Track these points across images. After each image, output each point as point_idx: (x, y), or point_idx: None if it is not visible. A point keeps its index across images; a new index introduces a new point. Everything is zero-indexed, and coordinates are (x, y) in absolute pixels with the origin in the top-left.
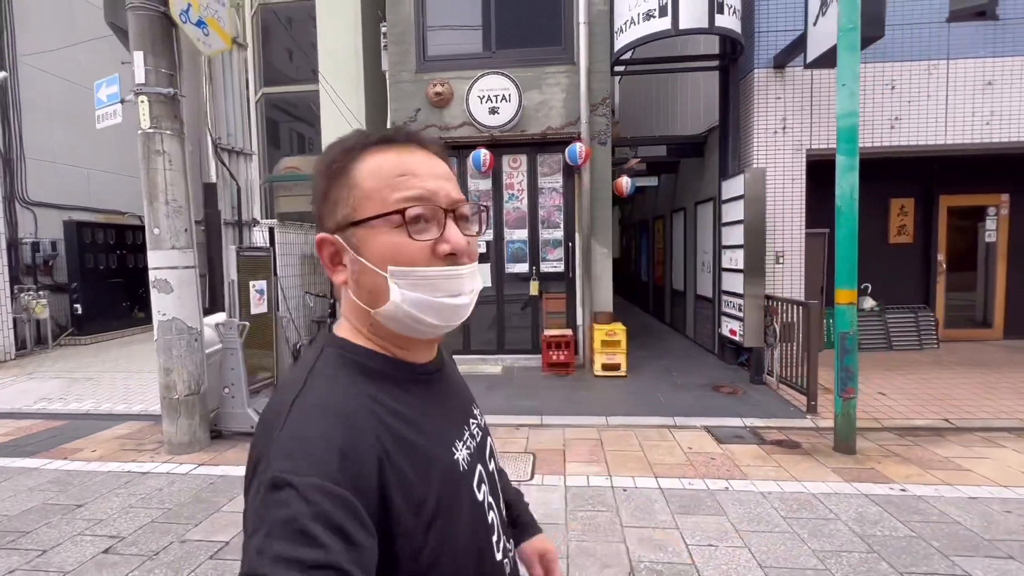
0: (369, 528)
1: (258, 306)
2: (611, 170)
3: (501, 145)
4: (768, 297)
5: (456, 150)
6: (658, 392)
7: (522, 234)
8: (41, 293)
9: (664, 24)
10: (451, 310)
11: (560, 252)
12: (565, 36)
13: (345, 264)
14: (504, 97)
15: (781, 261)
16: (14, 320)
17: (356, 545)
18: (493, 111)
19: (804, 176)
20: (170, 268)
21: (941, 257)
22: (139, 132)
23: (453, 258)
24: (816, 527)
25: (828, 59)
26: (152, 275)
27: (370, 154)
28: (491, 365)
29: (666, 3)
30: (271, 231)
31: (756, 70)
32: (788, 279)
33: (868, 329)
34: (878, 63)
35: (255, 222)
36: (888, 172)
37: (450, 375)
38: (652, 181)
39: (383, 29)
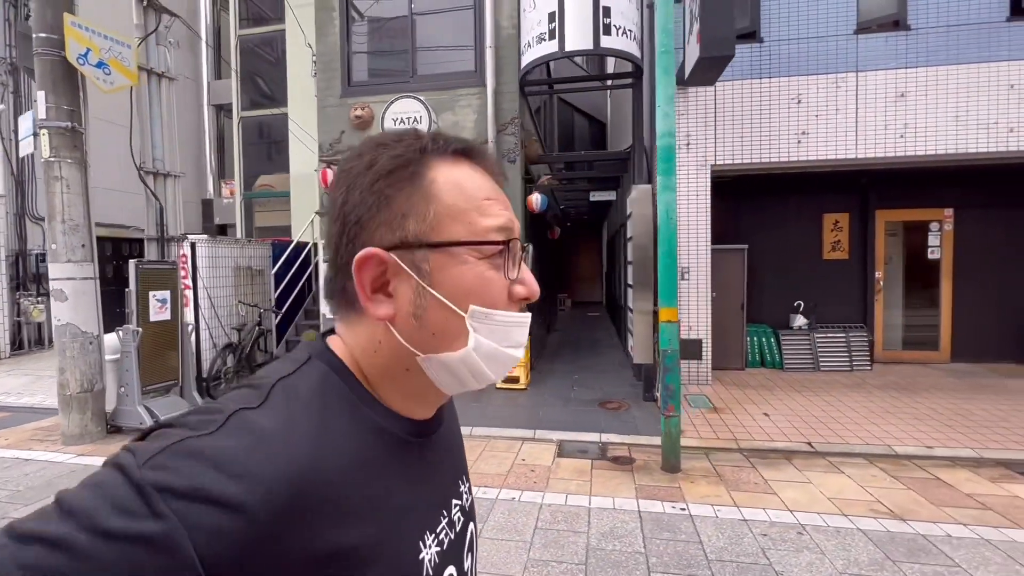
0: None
1: (159, 314)
2: (523, 187)
3: None
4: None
5: None
6: (544, 405)
7: None
8: (40, 299)
9: (552, 47)
10: (510, 362)
11: None
12: (477, 60)
13: (391, 293)
14: (416, 119)
15: (686, 277)
16: (14, 323)
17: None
18: None
19: (709, 192)
20: (66, 279)
21: (879, 274)
22: (42, 160)
23: (523, 302)
24: (557, 539)
25: (698, 76)
26: (50, 285)
27: (447, 163)
28: None
29: (554, 27)
30: (192, 246)
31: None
32: (694, 295)
33: (796, 349)
34: (783, 77)
35: (183, 236)
36: (821, 186)
37: (446, 434)
38: (610, 196)
39: (312, 57)
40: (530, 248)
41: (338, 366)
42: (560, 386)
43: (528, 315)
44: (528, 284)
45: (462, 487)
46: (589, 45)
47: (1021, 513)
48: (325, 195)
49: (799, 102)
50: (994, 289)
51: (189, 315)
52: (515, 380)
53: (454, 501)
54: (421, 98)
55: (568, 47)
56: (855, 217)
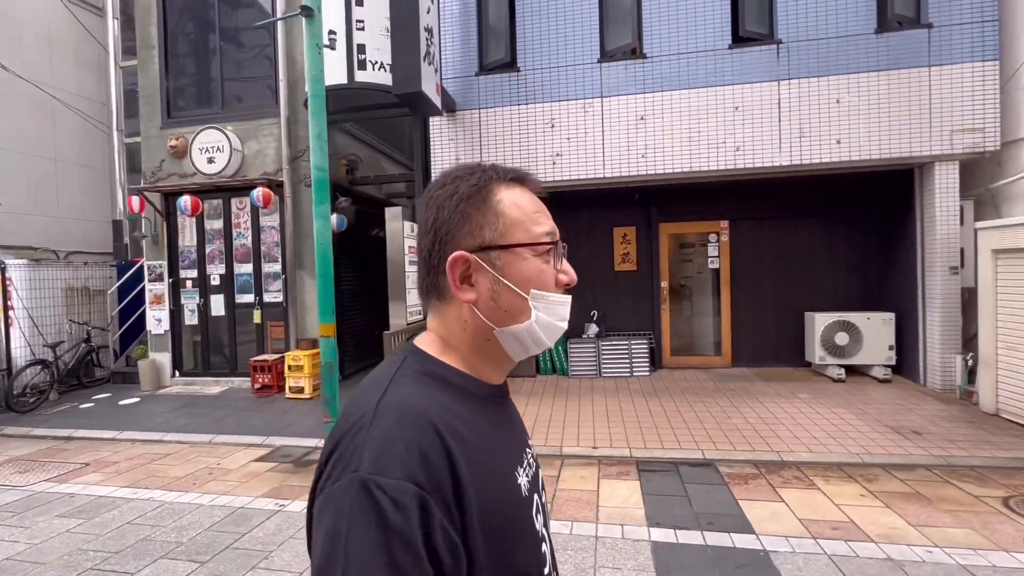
0: (449, 536)
1: None
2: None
3: (226, 189)
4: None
5: (197, 195)
6: (306, 415)
7: (248, 268)
8: None
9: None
10: (559, 331)
11: (279, 284)
12: (274, 92)
13: (474, 284)
14: (219, 148)
15: None
16: None
17: (439, 562)
18: (211, 160)
19: None
20: None
21: (664, 284)
22: None
23: (567, 287)
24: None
25: (427, 107)
26: None
27: (506, 187)
28: (214, 386)
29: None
30: (2, 270)
31: (431, 115)
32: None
33: (583, 356)
34: (539, 104)
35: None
36: (611, 201)
37: (510, 402)
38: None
39: (138, 91)
40: (566, 247)
41: (425, 356)
42: (344, 397)
43: (569, 297)
44: (568, 273)
45: (529, 440)
46: (344, 80)
47: (576, 506)
48: (142, 219)
49: (553, 126)
50: (768, 296)
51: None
52: (300, 390)
53: (527, 448)
54: (223, 128)
55: (328, 83)
56: (641, 230)
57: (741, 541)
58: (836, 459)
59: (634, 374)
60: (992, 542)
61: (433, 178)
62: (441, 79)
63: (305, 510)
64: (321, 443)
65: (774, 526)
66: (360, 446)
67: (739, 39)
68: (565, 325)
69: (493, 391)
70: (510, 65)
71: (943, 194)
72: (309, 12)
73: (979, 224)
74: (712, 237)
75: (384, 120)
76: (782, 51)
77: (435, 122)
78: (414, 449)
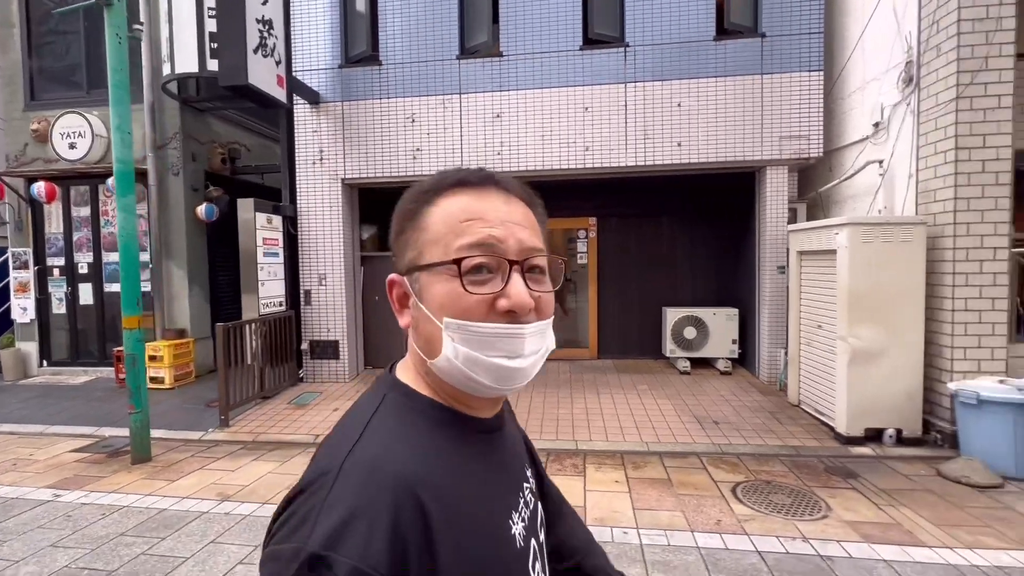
0: None
1: None
2: (188, 197)
3: (93, 176)
4: (259, 319)
5: (62, 181)
6: (160, 405)
7: (117, 256)
8: None
9: (168, 69)
10: (507, 372)
11: (148, 273)
12: (141, 78)
13: (408, 307)
14: (80, 133)
15: (324, 283)
16: None
17: None
18: (72, 146)
19: (341, 203)
20: None
21: None
22: None
23: (513, 315)
24: None
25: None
26: None
27: (444, 197)
28: (81, 376)
29: (171, 51)
30: None
31: (296, 106)
32: (331, 300)
33: None
34: (401, 98)
35: None
36: None
37: (509, 430)
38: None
39: None
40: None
41: (406, 390)
42: (207, 388)
43: (517, 327)
44: (512, 297)
45: (528, 471)
46: (195, 68)
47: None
48: (5, 205)
49: (414, 121)
50: (633, 291)
51: None
52: (160, 380)
53: (525, 484)
54: (85, 113)
55: (178, 70)
56: None
57: None
58: (625, 447)
59: None
60: (687, 523)
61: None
62: (289, 71)
63: None
64: (159, 433)
65: None
66: (315, 511)
67: (590, 41)
68: (516, 364)
69: (482, 426)
70: (373, 59)
71: (773, 197)
72: (107, 1)
73: (789, 227)
74: (581, 233)
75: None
76: (629, 54)
77: (299, 113)
78: (379, 526)
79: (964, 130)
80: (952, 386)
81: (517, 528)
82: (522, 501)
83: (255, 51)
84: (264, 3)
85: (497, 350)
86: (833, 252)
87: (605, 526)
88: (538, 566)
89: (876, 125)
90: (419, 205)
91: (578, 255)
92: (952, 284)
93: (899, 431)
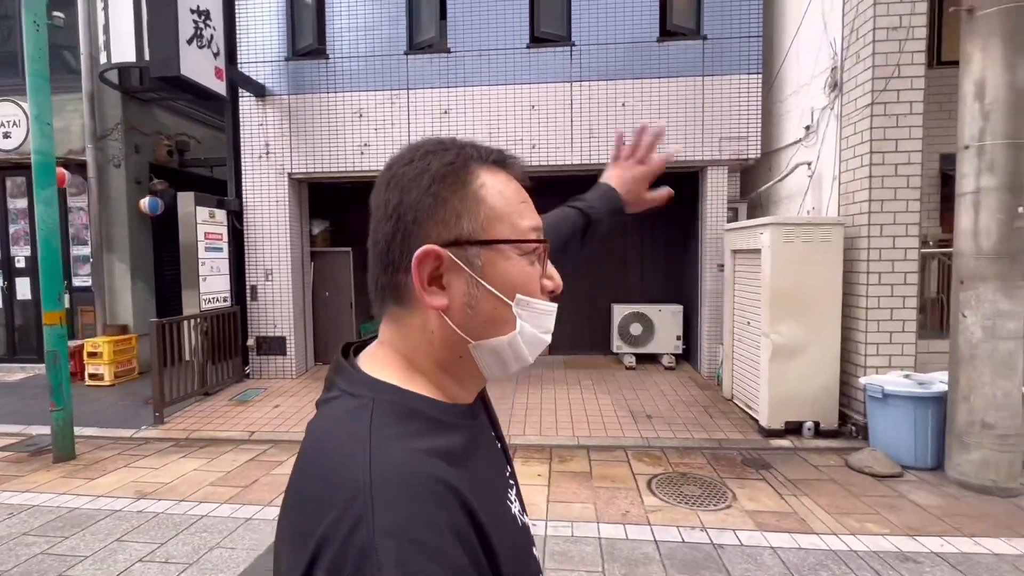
0: None
1: None
2: (128, 191)
3: (28, 166)
4: (203, 314)
5: (3, 172)
6: (84, 404)
7: None
8: None
9: (104, 58)
10: (543, 345)
11: (89, 267)
12: (80, 66)
13: (445, 286)
14: (15, 122)
15: (270, 278)
16: None
17: None
18: (6, 135)
19: (287, 198)
20: None
21: None
22: None
23: (552, 294)
24: None
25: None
26: None
27: (488, 171)
28: (19, 373)
29: (107, 39)
30: None
31: (241, 99)
32: (279, 295)
33: None
34: (348, 92)
35: None
36: None
37: (483, 414)
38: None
39: None
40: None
41: (394, 391)
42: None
43: (556, 305)
44: (554, 278)
45: (499, 444)
46: (132, 58)
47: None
48: None
49: (361, 116)
50: (585, 288)
51: None
52: (100, 377)
53: (506, 466)
54: (20, 102)
55: (114, 59)
56: None
57: None
58: (556, 442)
59: None
60: (595, 515)
61: (400, 152)
62: (233, 63)
63: None
64: (90, 431)
65: None
66: (370, 544)
67: (536, 39)
68: (549, 338)
69: (471, 414)
70: (320, 52)
71: (713, 197)
72: None
73: (725, 227)
74: None
75: None
76: (575, 53)
77: (244, 106)
78: (443, 530)
79: (878, 135)
80: (863, 380)
81: (515, 507)
82: (510, 479)
83: (189, 42)
84: None
85: (544, 327)
86: (759, 251)
87: None
88: (534, 546)
89: (807, 128)
90: (466, 175)
91: None
92: (866, 283)
93: (817, 424)
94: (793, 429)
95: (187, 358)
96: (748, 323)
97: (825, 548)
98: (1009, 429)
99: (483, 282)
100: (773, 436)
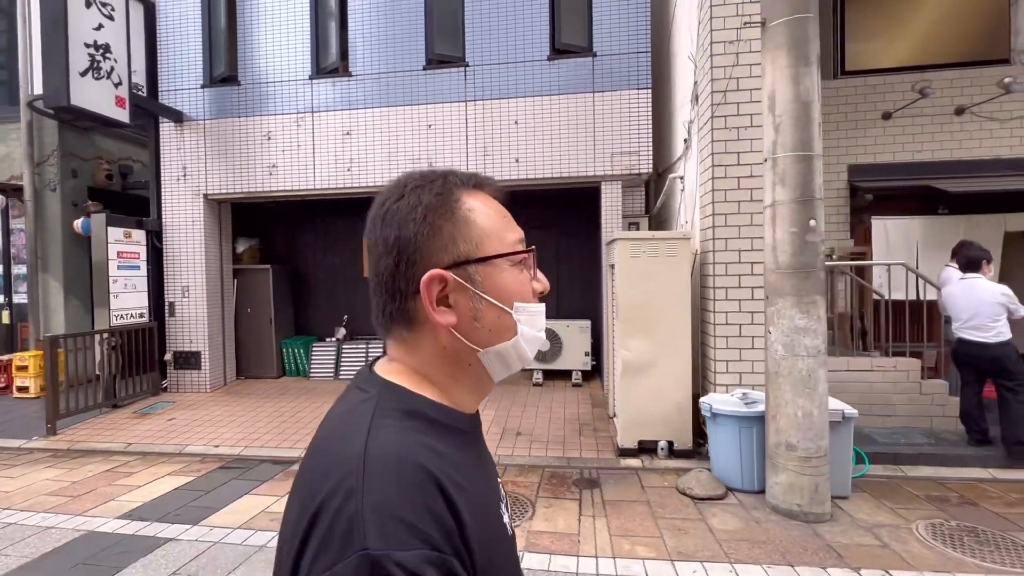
0: None
1: None
2: (64, 213)
3: None
4: (111, 330)
5: None
6: (10, 414)
7: None
8: None
9: (30, 89)
10: (540, 342)
11: (27, 286)
12: (18, 95)
13: (452, 304)
14: None
15: (187, 295)
16: None
17: None
18: None
19: (204, 218)
20: None
21: None
22: None
23: (539, 296)
24: None
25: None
26: None
27: (470, 196)
28: None
29: (30, 72)
30: None
31: (161, 124)
32: (194, 312)
33: (324, 359)
34: (258, 116)
35: None
36: (363, 211)
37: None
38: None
39: None
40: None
41: (401, 391)
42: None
43: (544, 304)
44: (542, 280)
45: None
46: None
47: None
48: None
49: (270, 138)
50: None
51: None
52: (26, 390)
53: (498, 479)
54: None
55: (36, 91)
56: None
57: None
58: None
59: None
60: None
61: (388, 188)
62: (148, 91)
63: None
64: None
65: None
66: (358, 515)
67: (432, 61)
68: (544, 334)
69: (472, 423)
70: (233, 79)
71: (609, 211)
72: None
73: (604, 243)
74: None
75: None
76: (469, 74)
77: (164, 131)
78: (421, 509)
79: (720, 148)
80: (702, 399)
81: (505, 517)
82: (502, 490)
83: (83, 74)
84: (97, 28)
85: (539, 326)
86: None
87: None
88: (517, 552)
89: (685, 142)
90: (453, 201)
91: None
92: (713, 298)
93: (671, 443)
94: (649, 448)
95: (96, 372)
96: (613, 339)
97: (570, 571)
98: (811, 451)
99: (485, 295)
100: (626, 455)
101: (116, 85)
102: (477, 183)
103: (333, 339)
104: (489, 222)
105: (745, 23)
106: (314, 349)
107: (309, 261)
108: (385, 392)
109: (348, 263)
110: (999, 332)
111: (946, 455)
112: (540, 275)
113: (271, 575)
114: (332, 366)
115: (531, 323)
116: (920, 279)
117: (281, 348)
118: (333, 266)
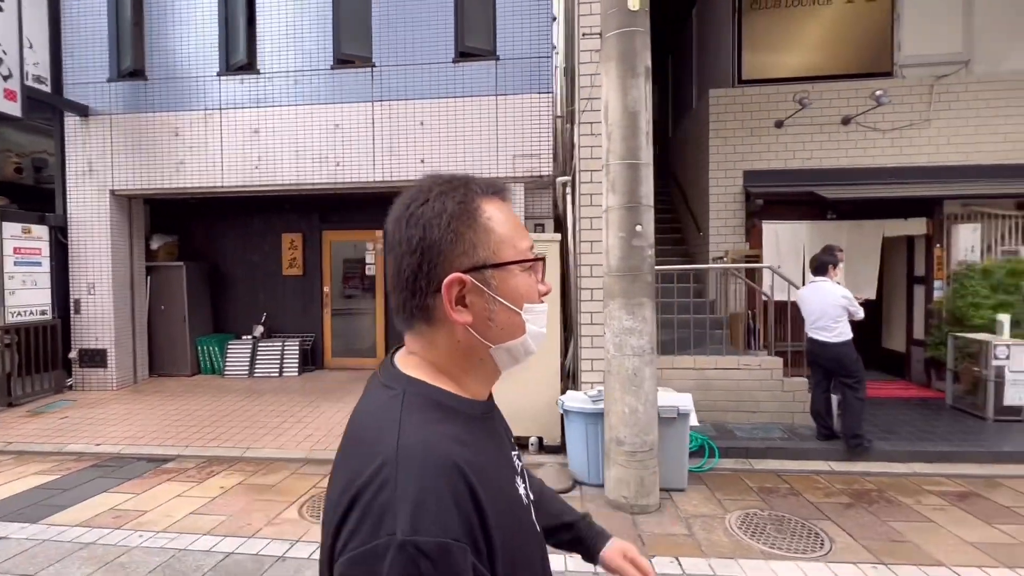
0: (482, 574)
1: None
2: None
3: None
4: (6, 327)
5: None
6: None
7: None
8: None
9: None
10: (542, 339)
11: None
12: None
13: (468, 304)
14: None
15: (93, 292)
16: None
17: None
18: None
19: (110, 214)
20: None
21: (326, 289)
22: None
23: (544, 296)
24: None
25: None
26: None
27: (488, 203)
28: None
29: None
30: None
31: (66, 118)
32: (100, 309)
33: (239, 357)
34: (165, 112)
35: None
36: (280, 208)
37: (497, 410)
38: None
39: None
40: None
41: (423, 385)
42: None
43: (546, 304)
44: (547, 283)
45: (512, 441)
46: None
47: None
48: None
49: (177, 135)
50: None
51: None
52: None
53: (514, 452)
54: None
55: None
56: (308, 237)
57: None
58: (289, 455)
59: (283, 374)
60: (224, 529)
61: (413, 192)
62: (23, 83)
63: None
64: None
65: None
66: (391, 504)
67: (340, 61)
68: (546, 330)
69: (486, 408)
70: (140, 73)
71: None
72: None
73: None
74: (369, 245)
75: None
76: (376, 74)
77: (69, 124)
78: (446, 500)
79: (586, 153)
80: (560, 397)
81: (521, 488)
82: (518, 463)
83: None
84: None
85: (543, 324)
86: None
87: (147, 530)
88: (534, 515)
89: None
90: (474, 209)
91: (366, 266)
92: (579, 299)
93: (541, 439)
94: (522, 444)
95: None
96: None
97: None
98: (637, 446)
99: (499, 298)
100: None
101: (5, 78)
102: (495, 191)
103: (249, 337)
104: (505, 230)
105: (584, 34)
106: (229, 347)
107: (229, 258)
108: (410, 387)
109: (267, 261)
110: (840, 332)
111: (794, 449)
112: (546, 278)
113: (107, 568)
114: (247, 364)
115: (536, 321)
116: (787, 281)
117: (196, 346)
118: (253, 263)
